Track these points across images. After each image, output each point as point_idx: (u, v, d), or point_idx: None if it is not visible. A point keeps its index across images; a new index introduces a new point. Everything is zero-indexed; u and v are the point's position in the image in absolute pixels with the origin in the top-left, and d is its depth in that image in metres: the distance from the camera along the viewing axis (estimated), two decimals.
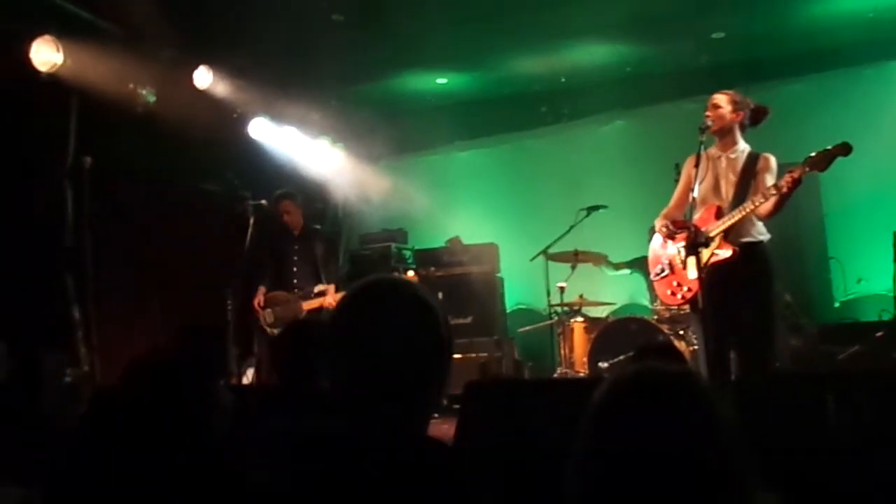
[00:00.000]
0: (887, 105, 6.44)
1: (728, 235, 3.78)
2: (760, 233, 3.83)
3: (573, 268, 6.13)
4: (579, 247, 6.11)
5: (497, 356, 6.57)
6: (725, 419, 1.03)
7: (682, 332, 5.51)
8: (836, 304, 6.58)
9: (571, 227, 6.08)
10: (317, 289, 5.62)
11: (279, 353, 2.07)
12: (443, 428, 2.86)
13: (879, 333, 5.25)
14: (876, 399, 2.22)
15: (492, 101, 7.65)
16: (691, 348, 5.24)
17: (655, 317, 5.70)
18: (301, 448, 1.16)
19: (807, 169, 3.46)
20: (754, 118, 3.93)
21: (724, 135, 3.87)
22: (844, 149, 3.42)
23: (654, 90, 7.10)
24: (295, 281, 5.67)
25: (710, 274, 3.66)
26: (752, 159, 3.83)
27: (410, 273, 6.40)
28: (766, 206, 3.65)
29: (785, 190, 3.48)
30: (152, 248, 5.56)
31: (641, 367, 1.07)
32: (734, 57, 6.75)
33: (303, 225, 5.83)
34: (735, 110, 3.86)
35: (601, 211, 6.08)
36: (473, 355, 6.52)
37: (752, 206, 3.67)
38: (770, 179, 3.74)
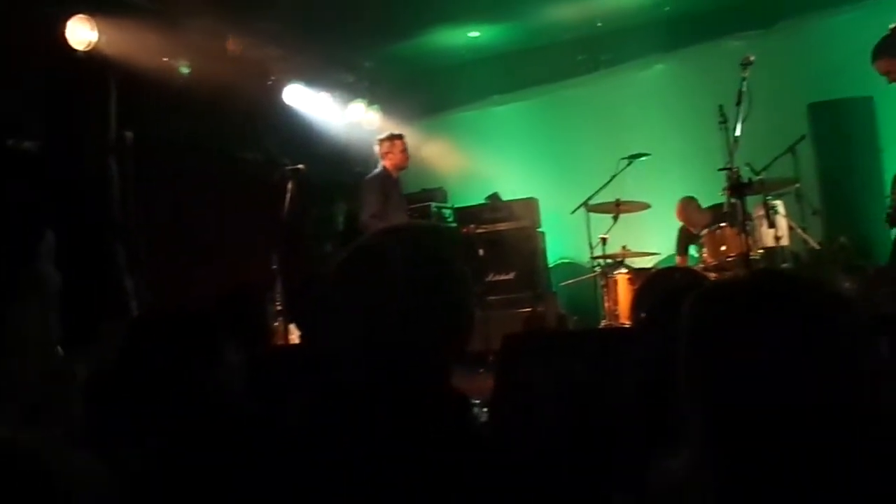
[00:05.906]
0: None
1: None
2: None
3: (615, 218, 6.02)
4: (621, 196, 6.00)
5: (540, 310, 6.56)
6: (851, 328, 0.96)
7: None
8: None
9: (613, 177, 5.95)
10: None
11: (294, 311, 2.09)
12: (489, 383, 2.88)
13: None
14: None
15: (527, 52, 7.49)
16: None
17: (702, 265, 5.58)
18: (321, 404, 1.17)
19: None
20: None
21: None
22: None
23: (694, 30, 6.88)
24: None
25: None
26: None
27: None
28: None
29: None
30: (195, 219, 5.67)
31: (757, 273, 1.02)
32: None
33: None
34: None
35: (643, 159, 5.95)
36: (517, 310, 6.52)
37: None
38: None
